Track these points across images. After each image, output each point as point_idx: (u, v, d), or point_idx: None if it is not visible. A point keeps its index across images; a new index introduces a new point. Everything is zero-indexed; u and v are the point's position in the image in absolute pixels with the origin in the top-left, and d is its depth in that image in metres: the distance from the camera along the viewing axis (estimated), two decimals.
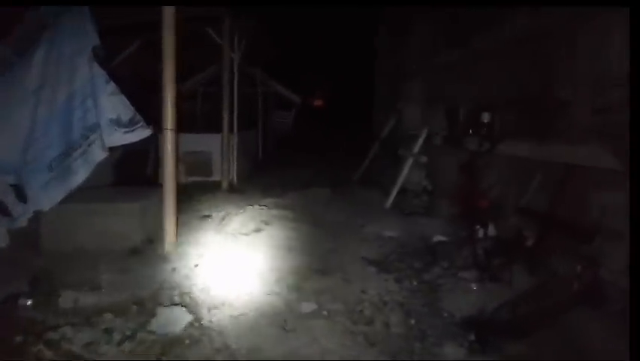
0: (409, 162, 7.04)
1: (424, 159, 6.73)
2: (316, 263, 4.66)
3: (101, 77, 4.63)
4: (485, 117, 4.98)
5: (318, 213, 6.60)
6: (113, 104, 4.69)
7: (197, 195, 7.76)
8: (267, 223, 5.95)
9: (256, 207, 6.60)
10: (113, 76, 8.47)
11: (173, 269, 4.39)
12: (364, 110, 13.67)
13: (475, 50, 5.91)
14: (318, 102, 21.18)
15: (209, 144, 8.90)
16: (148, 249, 4.98)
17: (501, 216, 4.66)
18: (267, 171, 10.68)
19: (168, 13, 4.63)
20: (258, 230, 5.73)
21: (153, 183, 7.12)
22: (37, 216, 4.78)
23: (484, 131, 4.97)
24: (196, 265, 4.52)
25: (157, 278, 4.19)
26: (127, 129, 4.75)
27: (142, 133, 4.81)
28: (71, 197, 4.91)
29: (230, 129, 8.68)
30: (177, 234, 5.12)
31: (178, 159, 5.23)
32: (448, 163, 6.02)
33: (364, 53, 13.56)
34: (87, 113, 4.73)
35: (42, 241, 4.85)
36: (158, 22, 7.90)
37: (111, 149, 4.97)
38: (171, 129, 4.82)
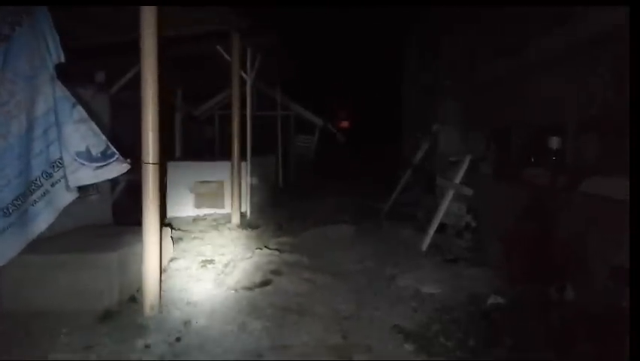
0: (450, 194, 5.89)
1: (468, 191, 5.56)
2: (333, 337, 3.54)
3: (65, 101, 3.75)
4: (554, 143, 3.82)
5: (339, 258, 5.49)
6: (81, 134, 3.79)
7: (204, 231, 6.80)
8: (277, 273, 4.89)
9: (266, 251, 5.55)
10: (118, 103, 7.80)
11: (147, 346, 3.36)
12: (392, 133, 12.61)
13: (529, 60, 4.78)
14: (342, 124, 20.20)
15: (222, 172, 7.95)
16: (125, 311, 3.98)
17: (584, 277, 3.44)
18: (286, 202, 9.67)
19: (148, 13, 3.71)
20: (265, 283, 4.67)
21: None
22: None
23: (553, 160, 3.80)
24: (177, 339, 3.48)
25: None
26: (98, 164, 3.84)
27: (117, 169, 3.89)
28: (36, 246, 4.02)
29: (243, 156, 7.75)
30: (161, 291, 4.11)
31: (162, 197, 4.23)
32: (501, 198, 4.83)
33: (391, 70, 12.57)
34: (50, 146, 3.85)
35: (3, 302, 3.94)
36: (172, 38, 7.24)
37: (80, 188, 4.06)
38: (153, 163, 3.86)
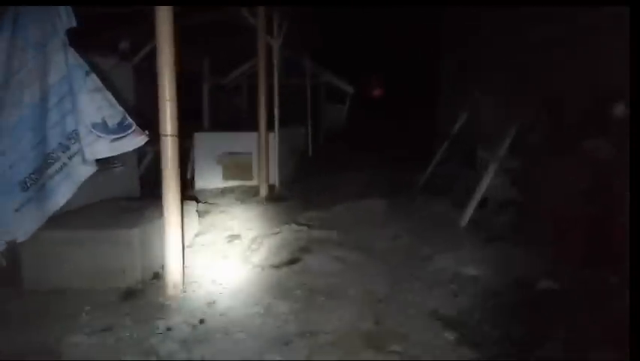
0: (493, 167, 5.42)
1: (514, 163, 5.08)
2: (365, 322, 3.27)
3: (78, 69, 3.50)
4: (619, 111, 3.31)
5: (371, 235, 5.18)
6: (97, 104, 3.55)
7: (231, 204, 6.61)
8: (305, 251, 4.64)
9: (294, 226, 5.29)
10: (142, 72, 7.57)
11: (168, 329, 3.18)
12: (428, 102, 11.97)
13: (586, 22, 4.19)
14: (375, 92, 19.43)
15: (250, 143, 7.67)
16: (148, 290, 3.84)
17: None
18: (316, 173, 9.36)
19: None
20: (292, 261, 4.43)
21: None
22: (13, 247, 3.76)
23: (616, 131, 3.30)
24: (201, 321, 3.29)
25: (142, 346, 3.00)
26: (115, 136, 3.60)
27: (135, 141, 3.64)
28: (57, 220, 3.88)
29: (270, 127, 7.45)
30: (185, 268, 3.94)
31: (183, 170, 3.98)
32: (553, 172, 4.35)
33: (428, 35, 11.81)
34: (66, 117, 3.64)
35: (24, 279, 3.86)
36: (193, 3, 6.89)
37: (99, 161, 3.86)
38: (171, 135, 3.61)
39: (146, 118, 4.11)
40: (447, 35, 9.57)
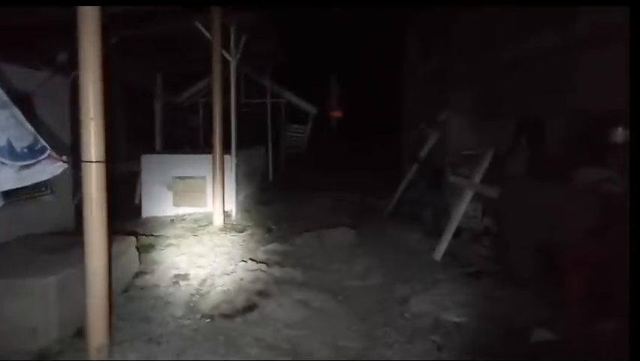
0: (468, 194, 5.01)
1: (493, 192, 4.67)
2: None
3: None
4: (619, 136, 2.93)
5: (338, 272, 4.60)
6: (1, 124, 2.82)
7: (181, 236, 5.87)
8: (264, 295, 3.99)
9: (252, 264, 4.63)
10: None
11: None
12: (391, 123, 11.69)
13: (578, 35, 3.88)
14: (336, 113, 19.10)
15: (203, 166, 7.00)
16: (67, 352, 3.08)
17: None
18: (277, 199, 8.74)
19: None
20: (248, 308, 3.77)
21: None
22: None
23: (617, 159, 2.92)
24: None
25: None
26: (24, 163, 2.88)
27: (49, 169, 2.94)
28: None
29: (227, 149, 6.80)
30: (113, 324, 3.22)
31: (109, 203, 3.30)
32: (540, 202, 3.93)
33: (389, 57, 11.61)
34: None
35: None
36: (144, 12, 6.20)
37: (5, 194, 3.11)
38: (97, 161, 2.92)
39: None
40: (413, 48, 9.31)
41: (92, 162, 2.91)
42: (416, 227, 6.23)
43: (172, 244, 5.42)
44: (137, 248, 4.74)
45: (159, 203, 7.30)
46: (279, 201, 8.41)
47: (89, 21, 2.82)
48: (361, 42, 15.03)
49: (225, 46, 6.70)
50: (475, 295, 3.95)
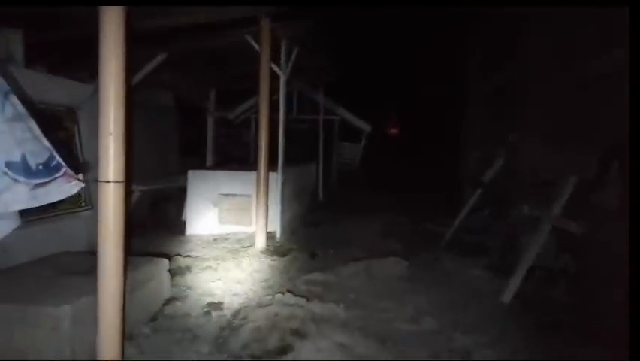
0: (546, 228, 4.29)
1: (576, 227, 3.94)
2: None
3: None
4: None
5: (387, 311, 4.03)
6: (15, 138, 2.59)
7: (220, 258, 5.54)
8: (299, 334, 3.51)
9: (290, 297, 4.17)
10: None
11: None
12: (450, 142, 10.96)
13: None
14: (392, 131, 18.46)
15: (250, 184, 6.64)
16: None
17: None
18: (325, 220, 8.29)
19: None
20: (281, 350, 3.31)
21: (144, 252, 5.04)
22: None
23: None
24: None
25: None
26: (39, 180, 2.61)
27: (64, 188, 2.67)
28: None
29: (273, 167, 6.47)
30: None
31: (127, 227, 2.99)
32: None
33: (451, 68, 10.93)
34: None
35: None
36: (196, 27, 6.09)
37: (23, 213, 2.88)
38: (115, 182, 2.61)
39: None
40: (475, 62, 8.61)
41: (109, 181, 2.61)
42: (478, 261, 5.51)
43: (210, 267, 5.09)
44: (170, 271, 4.46)
45: (204, 221, 7.08)
46: (327, 223, 7.95)
47: (110, 23, 2.54)
48: (419, 58, 14.42)
49: (276, 60, 6.43)
50: (553, 353, 3.24)
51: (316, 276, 4.79)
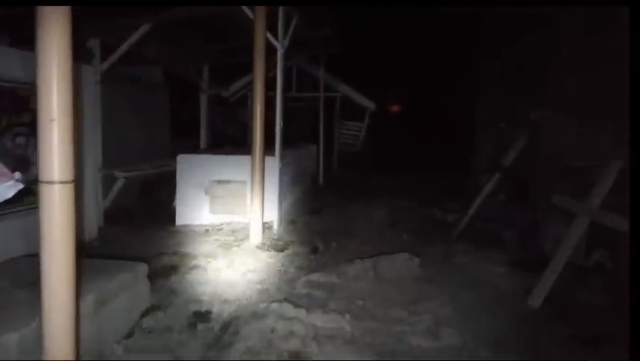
0: (583, 221, 3.72)
1: (621, 223, 3.36)
2: None
3: None
4: None
5: (400, 322, 3.48)
6: None
7: (211, 254, 4.99)
8: (299, 356, 2.98)
9: (287, 306, 3.62)
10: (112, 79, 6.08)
11: None
12: (462, 119, 10.31)
13: None
14: (394, 107, 17.68)
15: (246, 169, 5.99)
16: None
17: None
18: (328, 206, 7.72)
19: None
20: None
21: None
22: None
23: None
24: None
25: None
26: None
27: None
28: None
29: (270, 150, 5.87)
30: None
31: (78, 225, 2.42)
32: None
33: (462, 35, 10.15)
34: None
35: None
36: None
37: None
38: (63, 182, 2.03)
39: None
40: (491, 29, 7.86)
41: (53, 182, 2.02)
42: (497, 255, 4.97)
43: (198, 266, 4.54)
44: (153, 273, 3.93)
45: (195, 210, 6.51)
46: (329, 210, 7.39)
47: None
48: (426, 26, 13.43)
49: (273, 30, 5.76)
50: None
51: (318, 277, 4.24)
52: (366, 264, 4.45)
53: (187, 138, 9.62)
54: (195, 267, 4.54)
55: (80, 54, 5.39)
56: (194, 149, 8.77)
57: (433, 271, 4.52)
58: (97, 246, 5.15)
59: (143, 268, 3.57)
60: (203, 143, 9.62)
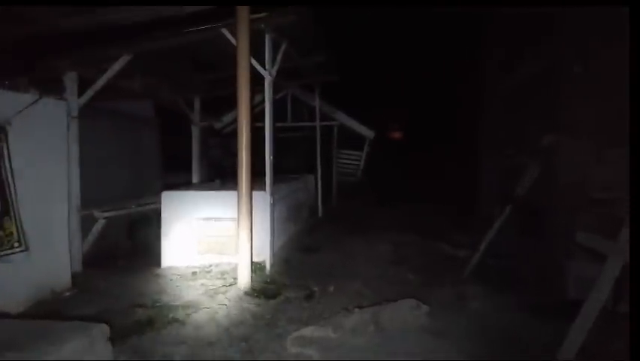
0: (616, 265, 3.19)
1: None
2: None
3: None
4: None
5: None
6: None
7: (192, 303, 4.44)
8: None
9: None
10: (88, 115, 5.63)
11: None
12: (464, 147, 9.87)
13: None
14: (394, 135, 17.23)
15: (235, 206, 5.50)
16: None
17: None
18: (325, 242, 7.19)
19: None
20: None
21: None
22: None
23: None
24: None
25: None
26: None
27: None
28: None
29: (260, 185, 5.42)
30: None
31: None
32: None
33: (464, 61, 9.83)
34: None
35: None
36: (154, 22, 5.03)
37: None
38: None
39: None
40: (494, 52, 7.51)
41: None
42: (515, 298, 4.41)
43: (176, 320, 3.99)
44: (124, 330, 3.41)
45: (182, 250, 6.01)
46: (327, 247, 6.85)
47: None
48: (426, 51, 13.11)
49: (260, 58, 5.40)
50: None
51: (311, 332, 3.68)
52: (366, 314, 3.89)
53: (183, 172, 9.20)
54: (173, 321, 3.99)
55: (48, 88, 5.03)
56: (187, 184, 8.33)
57: (444, 320, 3.95)
58: (66, 298, 4.61)
59: (102, 331, 3.03)
60: (195, 177, 9.18)
